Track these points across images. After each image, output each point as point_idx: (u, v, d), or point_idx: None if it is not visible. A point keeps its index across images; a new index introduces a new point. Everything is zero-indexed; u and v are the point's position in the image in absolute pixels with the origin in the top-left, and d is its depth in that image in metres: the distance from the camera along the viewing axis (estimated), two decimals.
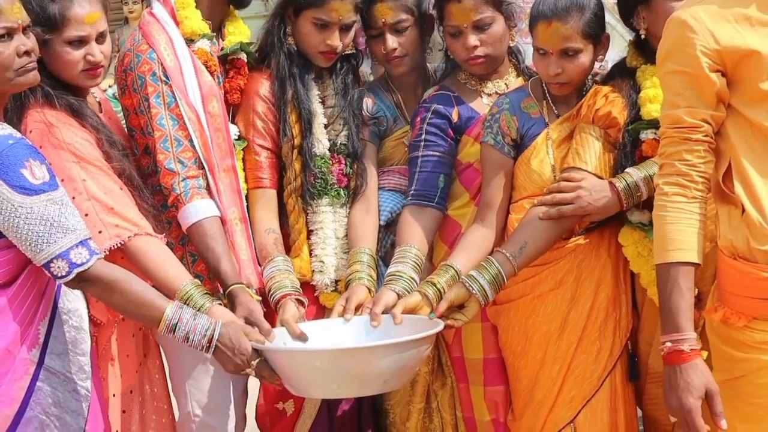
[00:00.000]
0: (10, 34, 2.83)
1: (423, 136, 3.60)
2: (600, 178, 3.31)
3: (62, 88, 3.25)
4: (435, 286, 3.26)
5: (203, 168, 3.41)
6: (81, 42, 3.21)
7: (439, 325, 3.11)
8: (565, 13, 3.31)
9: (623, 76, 3.42)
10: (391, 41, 3.64)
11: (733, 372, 2.77)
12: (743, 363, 2.74)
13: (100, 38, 3.25)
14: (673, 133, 2.76)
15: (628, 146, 3.32)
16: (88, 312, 3.15)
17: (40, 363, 2.89)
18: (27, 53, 2.86)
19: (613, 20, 3.86)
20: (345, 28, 3.55)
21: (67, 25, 3.18)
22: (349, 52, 3.69)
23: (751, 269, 2.68)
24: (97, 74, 3.27)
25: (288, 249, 3.60)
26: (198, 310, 3.07)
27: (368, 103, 3.74)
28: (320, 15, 3.51)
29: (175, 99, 3.41)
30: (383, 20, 3.64)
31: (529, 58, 3.68)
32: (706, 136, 2.72)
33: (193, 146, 3.40)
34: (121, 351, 3.39)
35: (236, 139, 3.57)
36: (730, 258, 2.73)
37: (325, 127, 3.64)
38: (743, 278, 2.71)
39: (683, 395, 2.67)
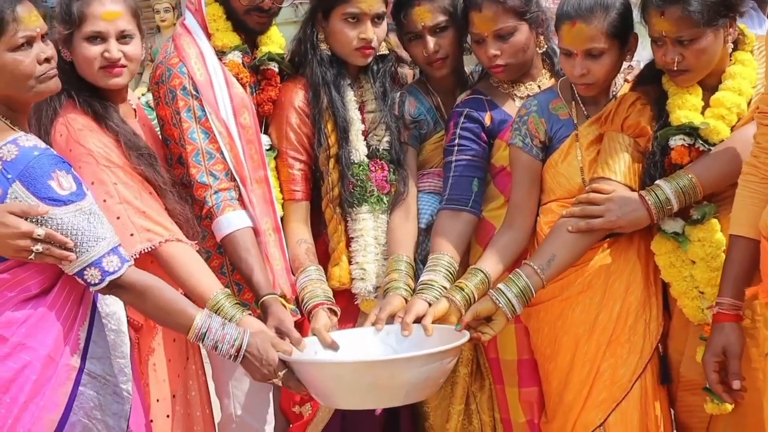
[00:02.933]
0: (29, 42, 2.84)
1: (456, 141, 3.61)
2: (630, 188, 3.29)
3: (92, 94, 3.31)
4: (463, 290, 3.28)
5: (235, 180, 3.45)
6: (99, 38, 3.29)
7: (464, 337, 3.12)
8: (589, 14, 3.27)
9: (654, 77, 3.37)
10: (432, 43, 3.65)
11: (764, 348, 2.91)
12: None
13: (123, 38, 3.32)
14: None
15: (657, 154, 3.28)
16: (126, 315, 3.20)
17: (81, 368, 2.91)
18: (47, 60, 2.88)
19: None
20: (377, 19, 3.56)
21: (85, 20, 3.28)
22: (384, 52, 3.70)
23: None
24: (116, 73, 3.32)
25: (327, 258, 3.62)
26: (229, 321, 3.10)
27: (409, 106, 3.74)
28: (350, 9, 3.52)
29: (206, 113, 3.44)
30: (422, 23, 3.64)
31: None
32: None
33: (225, 159, 3.44)
34: (165, 355, 3.44)
35: (267, 149, 3.59)
36: (764, 239, 2.83)
37: (366, 133, 3.65)
38: (766, 257, 2.83)
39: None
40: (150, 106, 4.19)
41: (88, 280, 2.86)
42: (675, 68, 3.17)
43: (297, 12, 3.78)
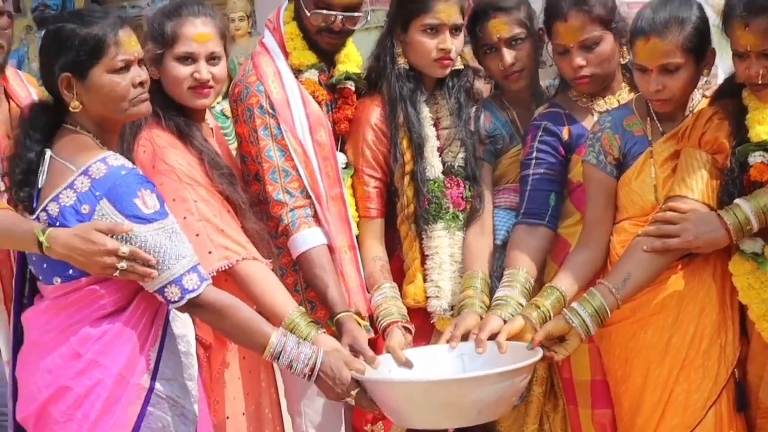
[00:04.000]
0: (127, 66, 2.93)
1: (534, 154, 3.58)
2: (708, 206, 3.22)
3: (176, 112, 3.38)
4: (539, 309, 3.26)
5: (310, 197, 3.48)
6: (190, 59, 3.37)
7: (537, 355, 3.10)
8: (664, 28, 3.21)
9: (733, 92, 3.30)
10: (509, 56, 3.65)
11: None
12: None
13: (212, 60, 3.40)
14: None
15: (736, 171, 3.20)
16: (196, 336, 3.25)
17: (151, 388, 2.95)
18: (141, 84, 2.97)
19: None
20: (455, 30, 3.57)
21: (177, 41, 3.36)
22: (459, 67, 3.69)
23: None
24: (204, 94, 3.40)
25: (401, 276, 3.63)
26: (304, 339, 3.13)
27: (485, 121, 3.73)
28: (429, 20, 3.54)
29: (282, 131, 3.48)
30: (498, 35, 3.65)
31: None
32: None
33: (300, 176, 3.47)
34: (236, 373, 3.48)
35: (343, 167, 3.62)
36: None
37: (441, 149, 3.65)
38: None
39: None
40: (223, 114, 4.26)
41: (168, 298, 2.91)
42: (759, 82, 3.10)
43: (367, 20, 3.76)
